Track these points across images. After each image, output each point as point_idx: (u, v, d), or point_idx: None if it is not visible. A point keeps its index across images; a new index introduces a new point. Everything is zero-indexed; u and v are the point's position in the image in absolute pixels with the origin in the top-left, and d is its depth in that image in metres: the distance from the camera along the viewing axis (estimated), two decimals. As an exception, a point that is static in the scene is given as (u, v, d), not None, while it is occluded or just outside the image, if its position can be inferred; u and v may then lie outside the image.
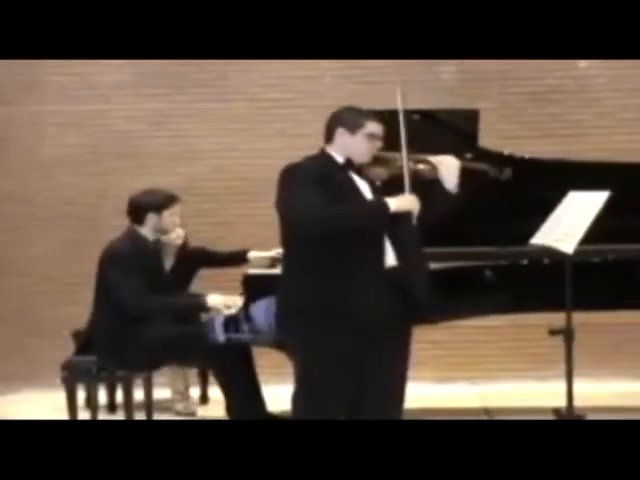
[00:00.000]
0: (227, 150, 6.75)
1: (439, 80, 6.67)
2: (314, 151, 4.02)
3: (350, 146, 3.89)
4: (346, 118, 3.93)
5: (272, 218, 6.47)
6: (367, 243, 3.80)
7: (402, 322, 3.91)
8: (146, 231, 5.36)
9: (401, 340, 3.94)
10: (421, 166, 3.96)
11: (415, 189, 3.87)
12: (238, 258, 5.71)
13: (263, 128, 6.71)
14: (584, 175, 5.02)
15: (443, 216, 3.99)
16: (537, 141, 6.34)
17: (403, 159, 3.90)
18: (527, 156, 5.25)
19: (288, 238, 3.90)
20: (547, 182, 5.03)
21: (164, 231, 5.45)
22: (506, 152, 5.14)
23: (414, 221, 3.81)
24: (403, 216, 3.80)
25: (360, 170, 3.91)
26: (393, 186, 3.90)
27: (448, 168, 3.94)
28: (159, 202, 5.35)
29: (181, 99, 6.78)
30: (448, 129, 5.08)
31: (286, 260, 3.96)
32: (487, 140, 5.12)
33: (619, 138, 6.54)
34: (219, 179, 6.75)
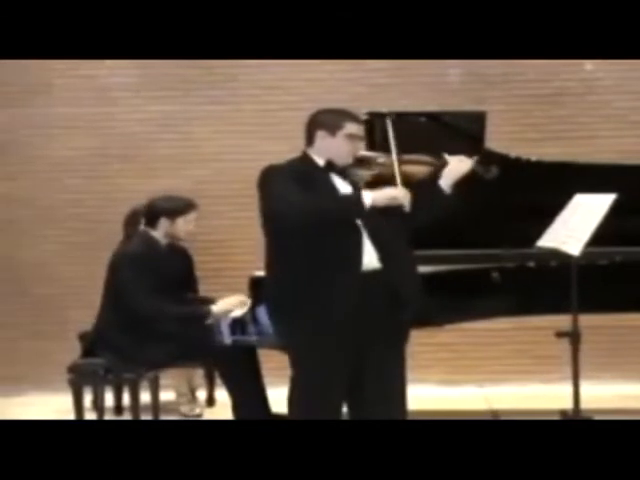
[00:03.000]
0: (234, 153, 6.75)
1: (445, 82, 6.66)
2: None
3: (331, 148, 3.90)
4: (325, 120, 3.94)
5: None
6: (344, 245, 3.80)
7: (391, 323, 3.91)
8: (158, 235, 5.38)
9: (392, 341, 3.94)
10: (408, 167, 3.96)
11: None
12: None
13: (269, 131, 6.70)
14: (591, 177, 5.01)
15: (436, 217, 3.98)
16: (544, 143, 6.32)
17: (393, 161, 3.90)
18: (534, 158, 5.24)
19: (270, 243, 3.94)
20: (554, 184, 5.02)
21: (175, 237, 5.45)
22: (513, 154, 5.13)
23: (406, 209, 3.77)
24: (392, 209, 3.79)
25: (343, 172, 3.91)
26: (377, 187, 3.89)
27: (457, 168, 3.95)
28: (173, 208, 5.39)
29: (188, 101, 6.78)
30: (455, 131, 5.08)
31: (268, 265, 3.97)
32: (494, 142, 5.11)
33: (626, 140, 6.52)
34: (226, 181, 6.75)
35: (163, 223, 5.38)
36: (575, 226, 4.49)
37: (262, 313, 4.77)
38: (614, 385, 6.42)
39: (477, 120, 5.11)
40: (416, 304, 3.92)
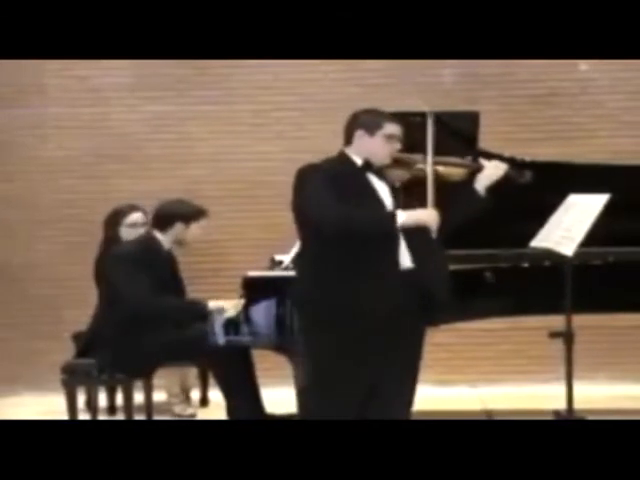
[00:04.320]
0: (228, 153, 6.75)
1: (439, 82, 6.66)
2: (315, 153, 4.04)
3: (369, 147, 3.92)
4: (365, 120, 3.96)
5: (273, 220, 6.55)
6: (382, 243, 3.82)
7: (417, 324, 3.94)
8: (164, 239, 5.36)
9: (415, 342, 3.98)
10: (444, 168, 4.00)
11: (438, 191, 3.91)
12: None
13: (264, 131, 6.71)
14: (585, 177, 5.02)
15: (467, 219, 4.02)
16: (538, 143, 6.33)
17: (428, 162, 3.93)
18: (527, 158, 5.24)
19: (304, 238, 3.96)
20: (547, 184, 5.01)
21: (183, 242, 5.43)
22: (506, 154, 5.13)
23: (433, 235, 3.83)
24: (420, 229, 3.82)
25: (380, 172, 3.93)
26: (414, 188, 3.92)
27: (493, 172, 4.01)
28: (190, 213, 5.37)
29: (182, 102, 6.77)
30: (448, 131, 5.07)
31: (301, 260, 3.98)
32: (487, 142, 5.12)
33: (620, 141, 6.53)
34: (220, 182, 6.75)
35: (177, 227, 5.35)
36: (569, 226, 4.50)
37: (257, 313, 4.77)
38: (608, 385, 6.43)
39: (471, 120, 5.12)
40: (444, 306, 3.95)
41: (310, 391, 3.96)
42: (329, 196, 3.74)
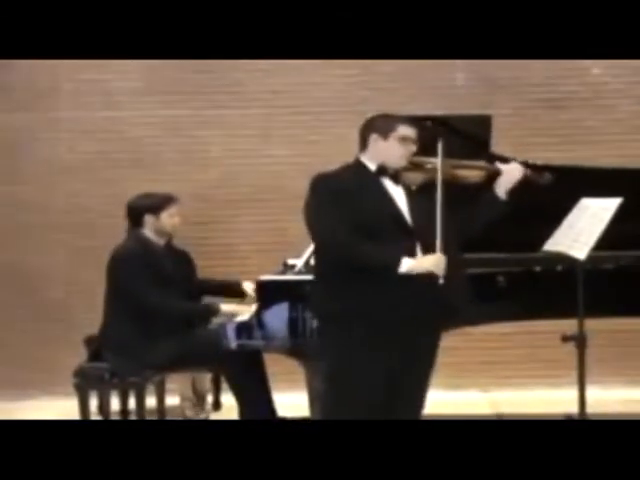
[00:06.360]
0: (240, 157, 6.76)
1: (452, 86, 6.66)
2: (326, 157, 4.05)
3: (384, 151, 3.92)
4: (378, 123, 3.97)
5: (285, 224, 6.55)
6: (398, 249, 3.81)
7: (434, 327, 3.96)
8: (148, 233, 5.39)
9: (432, 344, 4.00)
10: (462, 171, 4.00)
11: (456, 195, 3.90)
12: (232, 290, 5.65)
13: (276, 135, 6.72)
14: (597, 181, 5.00)
15: (488, 223, 4.01)
16: (550, 147, 6.33)
17: (438, 165, 3.93)
18: (540, 162, 5.24)
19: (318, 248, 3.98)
20: (560, 188, 5.01)
21: (164, 233, 5.45)
22: (519, 159, 5.12)
23: (441, 281, 3.76)
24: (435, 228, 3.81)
25: (395, 176, 3.92)
26: (430, 191, 3.92)
27: (511, 174, 4.02)
28: (155, 204, 5.39)
29: (194, 106, 6.79)
30: (461, 135, 5.07)
31: (318, 264, 3.99)
32: (500, 146, 5.11)
33: (632, 145, 6.52)
34: (232, 186, 6.76)
35: (148, 220, 5.38)
36: (581, 230, 4.49)
37: (269, 317, 4.77)
38: (620, 390, 6.41)
39: (483, 124, 5.11)
40: (463, 309, 3.96)
41: (329, 394, 3.95)
42: (336, 218, 3.74)
